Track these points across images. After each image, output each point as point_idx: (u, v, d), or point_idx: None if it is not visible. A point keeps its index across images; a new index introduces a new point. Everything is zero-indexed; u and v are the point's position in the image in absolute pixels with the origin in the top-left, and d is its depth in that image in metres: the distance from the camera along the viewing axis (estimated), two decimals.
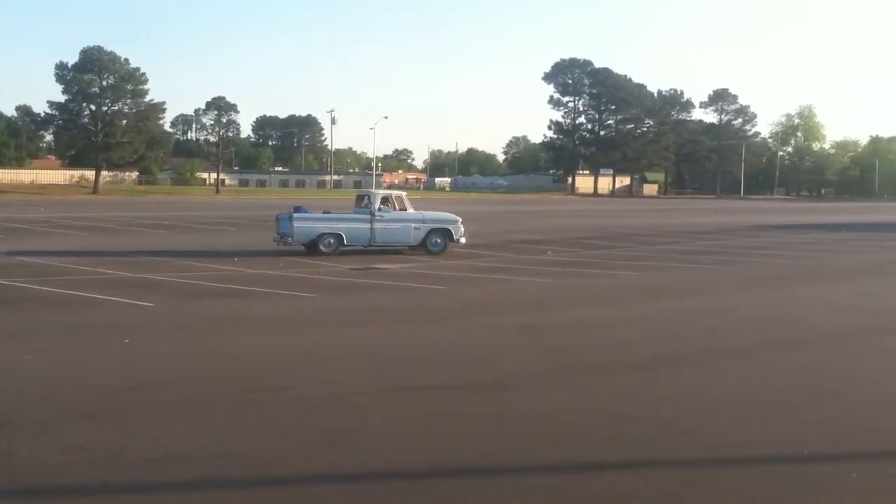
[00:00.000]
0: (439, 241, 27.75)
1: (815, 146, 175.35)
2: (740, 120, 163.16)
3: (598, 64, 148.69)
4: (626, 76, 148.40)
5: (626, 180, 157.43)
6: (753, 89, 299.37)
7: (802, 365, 11.51)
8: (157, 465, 7.11)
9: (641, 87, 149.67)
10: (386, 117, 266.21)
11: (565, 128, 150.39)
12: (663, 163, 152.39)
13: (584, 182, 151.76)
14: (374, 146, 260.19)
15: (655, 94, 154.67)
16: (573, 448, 7.70)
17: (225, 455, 7.38)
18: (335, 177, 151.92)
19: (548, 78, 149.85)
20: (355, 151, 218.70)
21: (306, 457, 7.36)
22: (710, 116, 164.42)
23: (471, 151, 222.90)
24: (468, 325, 14.45)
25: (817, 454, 7.55)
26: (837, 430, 8.30)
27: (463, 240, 28.22)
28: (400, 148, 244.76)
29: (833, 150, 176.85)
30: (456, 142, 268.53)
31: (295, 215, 27.14)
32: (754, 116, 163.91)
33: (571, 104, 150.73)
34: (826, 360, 11.85)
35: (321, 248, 26.61)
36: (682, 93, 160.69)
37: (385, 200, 27.92)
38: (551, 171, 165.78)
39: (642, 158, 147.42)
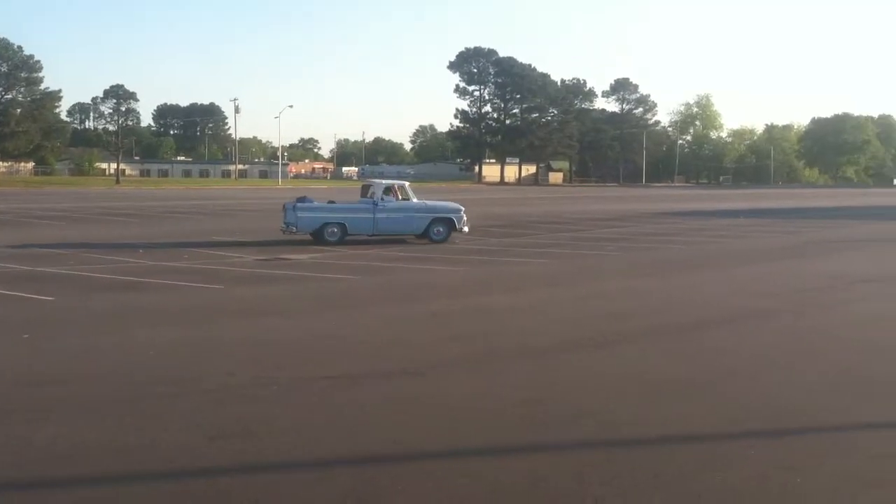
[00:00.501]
0: (441, 230, 28.46)
1: (713, 134, 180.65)
2: (641, 109, 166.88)
3: (502, 53, 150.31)
4: (530, 65, 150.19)
5: (532, 169, 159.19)
6: (654, 78, 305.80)
7: (702, 346, 11.89)
8: (60, 461, 6.98)
9: (545, 76, 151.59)
10: (291, 106, 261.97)
11: (471, 116, 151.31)
12: (568, 151, 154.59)
13: (490, 171, 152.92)
14: (280, 135, 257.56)
15: (559, 84, 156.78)
16: (483, 433, 7.82)
17: (128, 449, 7.28)
18: (240, 166, 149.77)
19: (453, 67, 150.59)
20: (260, 140, 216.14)
21: (210, 449, 7.30)
22: (612, 105, 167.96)
23: (378, 140, 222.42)
24: (377, 314, 14.47)
25: (716, 433, 7.84)
26: (736, 409, 8.61)
27: (466, 228, 28.90)
28: (306, 137, 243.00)
29: (730, 139, 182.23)
30: (363, 130, 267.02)
31: (298, 205, 27.65)
32: (655, 105, 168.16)
33: (477, 93, 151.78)
34: (724, 341, 12.25)
35: (326, 237, 27.26)
36: (584, 82, 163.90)
37: (388, 190, 28.60)
38: (458, 160, 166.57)
39: (547, 147, 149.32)
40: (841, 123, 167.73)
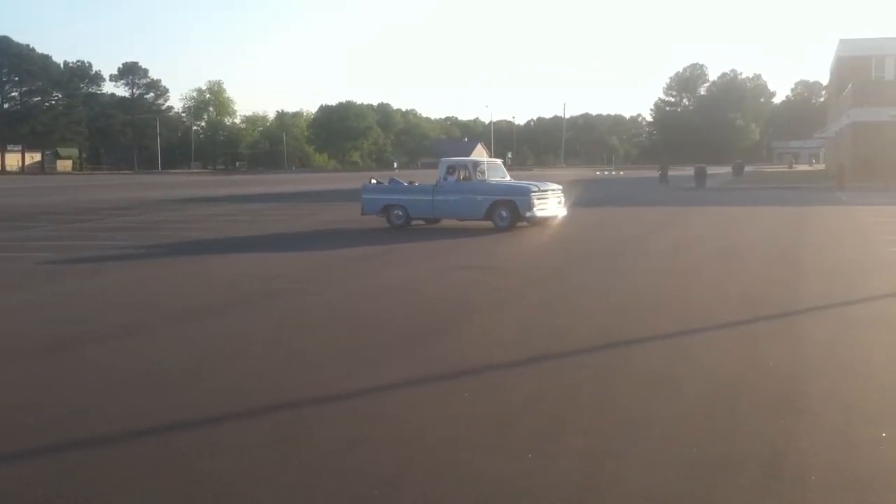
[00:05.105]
0: (505, 214, 25.08)
1: (227, 121, 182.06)
2: (153, 94, 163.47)
3: None
4: (28, 45, 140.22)
5: (38, 156, 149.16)
6: (164, 63, 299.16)
7: (212, 331, 11.89)
8: None
9: (47, 57, 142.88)
10: None
11: None
12: (76, 137, 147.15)
13: None
14: None
15: (62, 66, 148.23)
16: None
17: None
18: None
19: None
20: None
21: None
22: (121, 90, 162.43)
23: None
24: None
25: (217, 416, 7.88)
26: (238, 391, 8.71)
27: (538, 214, 25.21)
28: None
29: (244, 125, 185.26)
30: None
31: (364, 187, 28.01)
32: (166, 91, 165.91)
33: None
34: (235, 324, 12.39)
35: (393, 220, 26.66)
36: (90, 65, 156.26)
37: (451, 170, 25.92)
38: None
39: (53, 133, 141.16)
40: (345, 111, 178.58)
